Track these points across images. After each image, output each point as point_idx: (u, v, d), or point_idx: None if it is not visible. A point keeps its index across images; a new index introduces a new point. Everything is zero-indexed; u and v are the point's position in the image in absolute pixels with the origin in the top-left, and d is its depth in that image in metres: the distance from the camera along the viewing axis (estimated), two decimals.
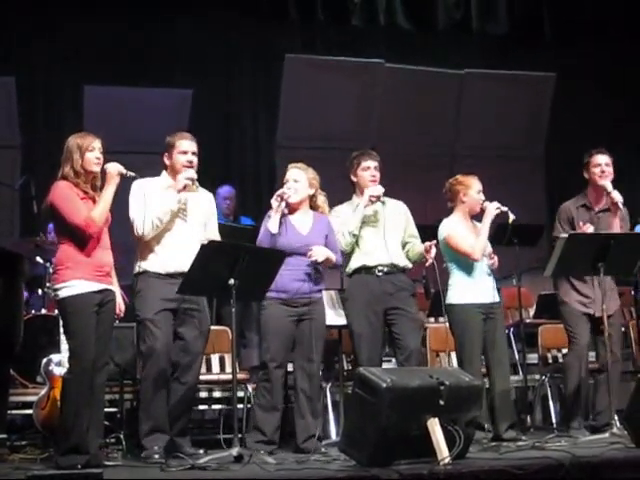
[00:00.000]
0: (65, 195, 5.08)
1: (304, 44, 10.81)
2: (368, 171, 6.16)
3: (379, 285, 6.00)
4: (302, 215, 5.86)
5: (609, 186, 6.21)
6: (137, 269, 5.57)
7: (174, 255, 5.50)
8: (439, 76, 10.90)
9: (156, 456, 5.28)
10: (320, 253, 5.69)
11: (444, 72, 10.94)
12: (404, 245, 6.22)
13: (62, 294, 5.06)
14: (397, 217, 6.22)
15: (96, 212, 5.09)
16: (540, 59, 11.08)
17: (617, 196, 6.18)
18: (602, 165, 6.27)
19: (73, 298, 5.03)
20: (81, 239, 5.08)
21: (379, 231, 6.10)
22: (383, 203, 6.15)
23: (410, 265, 6.18)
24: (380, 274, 6.02)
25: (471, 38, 11.11)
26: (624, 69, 11.19)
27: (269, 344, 5.67)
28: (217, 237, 5.71)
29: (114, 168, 5.20)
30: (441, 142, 11.18)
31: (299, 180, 5.84)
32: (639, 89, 11.09)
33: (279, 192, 5.73)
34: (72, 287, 5.03)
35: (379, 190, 6.08)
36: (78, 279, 5.04)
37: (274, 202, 5.71)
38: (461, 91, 11.13)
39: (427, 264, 6.04)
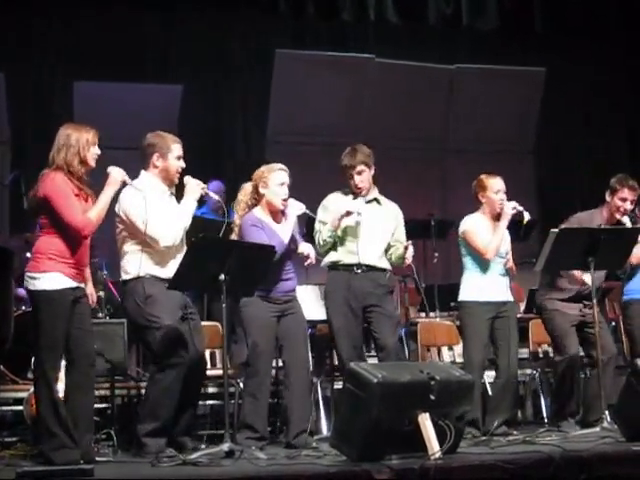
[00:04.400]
0: (63, 191, 4.99)
1: (294, 39, 10.81)
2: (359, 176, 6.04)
3: (357, 282, 5.97)
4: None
5: (625, 220, 6.21)
6: (140, 273, 5.31)
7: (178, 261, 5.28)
8: (429, 71, 10.91)
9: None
10: (312, 251, 5.78)
11: (434, 67, 10.95)
12: (388, 248, 6.13)
13: (39, 285, 4.94)
14: (388, 220, 6.14)
15: (93, 214, 5.02)
16: (530, 54, 11.11)
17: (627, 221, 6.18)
18: (627, 202, 6.19)
19: (51, 292, 4.93)
20: (72, 238, 5.01)
21: (364, 231, 6.00)
22: (379, 203, 6.13)
23: (390, 267, 6.14)
24: (359, 271, 5.98)
25: (461, 33, 11.12)
26: (615, 63, 11.22)
27: (256, 339, 5.66)
28: None
29: (119, 174, 5.12)
30: (432, 137, 11.19)
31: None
32: (630, 83, 11.14)
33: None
34: (51, 280, 4.93)
35: (355, 207, 5.93)
36: (58, 272, 4.95)
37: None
38: (451, 86, 11.15)
39: (404, 265, 6.06)
